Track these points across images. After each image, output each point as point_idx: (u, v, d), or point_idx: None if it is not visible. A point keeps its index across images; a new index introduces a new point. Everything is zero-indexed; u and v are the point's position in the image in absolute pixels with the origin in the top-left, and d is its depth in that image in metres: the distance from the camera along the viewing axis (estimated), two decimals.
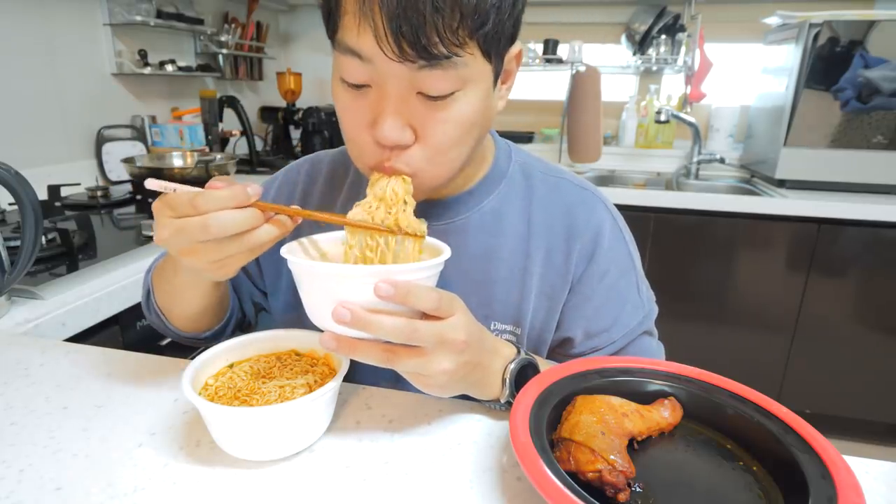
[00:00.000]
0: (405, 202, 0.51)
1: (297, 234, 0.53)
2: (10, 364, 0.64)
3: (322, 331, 0.46)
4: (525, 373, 0.53)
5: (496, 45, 0.49)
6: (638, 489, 0.42)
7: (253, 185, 0.45)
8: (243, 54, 2.41)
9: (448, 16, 0.43)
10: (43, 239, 1.07)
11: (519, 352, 0.55)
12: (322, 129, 2.40)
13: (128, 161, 1.60)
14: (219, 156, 1.84)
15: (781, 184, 1.94)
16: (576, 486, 0.38)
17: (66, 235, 1.08)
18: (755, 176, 2.19)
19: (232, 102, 2.13)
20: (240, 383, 0.52)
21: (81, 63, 1.69)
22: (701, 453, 0.47)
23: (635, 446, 0.47)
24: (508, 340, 0.60)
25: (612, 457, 0.42)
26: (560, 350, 0.67)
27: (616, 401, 0.48)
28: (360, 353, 0.44)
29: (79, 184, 1.56)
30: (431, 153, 0.51)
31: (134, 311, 1.04)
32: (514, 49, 0.53)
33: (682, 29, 2.25)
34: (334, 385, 0.48)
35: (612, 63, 2.43)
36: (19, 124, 1.50)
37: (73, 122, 1.67)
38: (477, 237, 0.64)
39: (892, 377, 1.84)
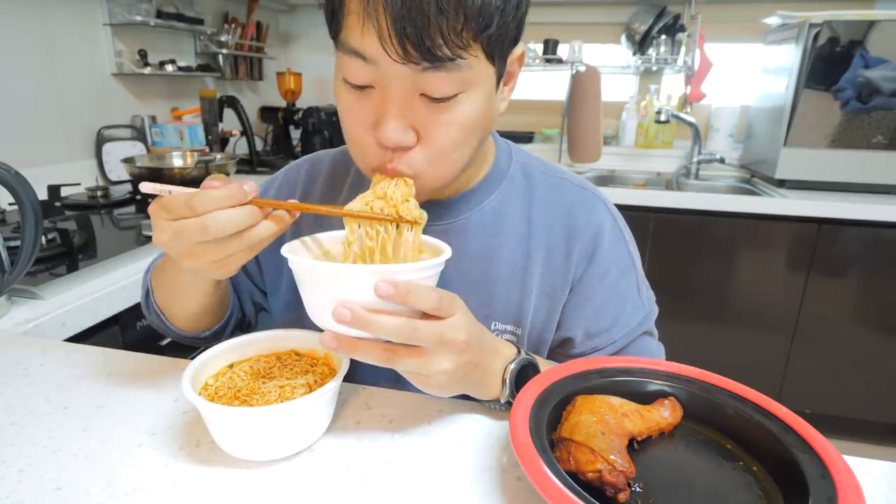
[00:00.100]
0: (407, 202, 0.51)
1: (298, 232, 0.53)
2: (10, 364, 0.64)
3: (322, 330, 0.46)
4: (525, 373, 0.53)
5: (500, 48, 0.49)
6: (638, 489, 0.42)
7: (249, 182, 0.45)
8: (243, 54, 2.41)
9: (452, 18, 0.43)
10: (43, 239, 1.07)
11: (519, 352, 0.55)
12: (322, 129, 2.40)
13: (128, 161, 1.60)
14: (219, 156, 1.84)
15: (781, 184, 1.94)
16: (576, 486, 0.38)
17: (66, 235, 1.08)
18: (755, 176, 2.19)
19: (232, 102, 2.13)
20: (240, 383, 0.52)
21: (81, 63, 1.69)
22: (701, 453, 0.47)
23: (635, 446, 0.47)
24: (509, 340, 0.60)
25: (612, 457, 0.42)
26: (560, 350, 0.67)
27: (616, 401, 0.48)
28: (360, 353, 0.44)
29: (79, 184, 1.56)
30: (434, 155, 0.51)
31: (134, 311, 1.04)
32: (517, 51, 0.53)
33: (682, 29, 2.25)
34: (334, 385, 0.48)
35: (612, 63, 2.43)
36: (19, 124, 1.50)
37: (73, 122, 1.67)
38: (477, 237, 0.64)
39: (892, 377, 1.84)
